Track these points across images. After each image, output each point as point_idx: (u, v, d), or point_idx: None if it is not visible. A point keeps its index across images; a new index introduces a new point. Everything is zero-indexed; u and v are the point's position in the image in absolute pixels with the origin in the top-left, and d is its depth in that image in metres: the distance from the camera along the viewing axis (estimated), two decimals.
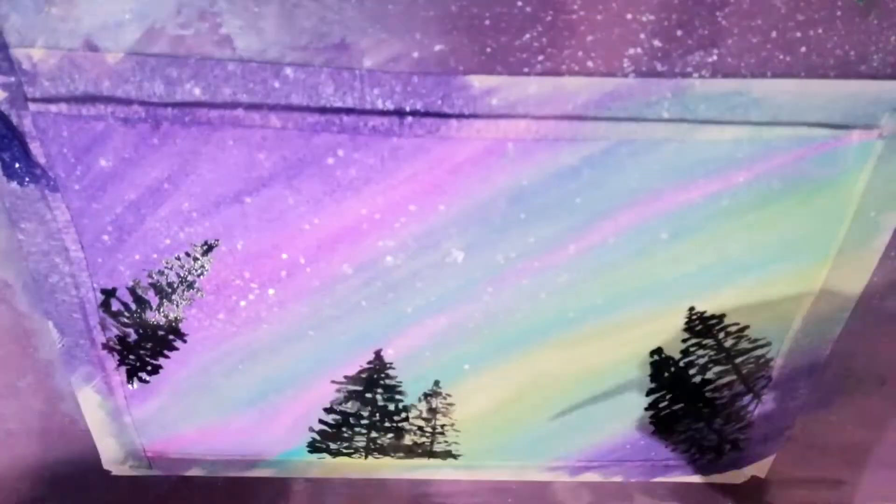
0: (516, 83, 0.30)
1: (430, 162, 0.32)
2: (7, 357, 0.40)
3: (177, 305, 0.37)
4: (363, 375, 0.41)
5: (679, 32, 0.29)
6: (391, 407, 0.42)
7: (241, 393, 0.41)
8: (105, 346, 0.39)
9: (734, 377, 0.42)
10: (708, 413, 0.44)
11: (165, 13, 0.28)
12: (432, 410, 0.43)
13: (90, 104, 0.30)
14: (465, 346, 0.39)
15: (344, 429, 0.44)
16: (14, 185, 0.32)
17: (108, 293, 0.37)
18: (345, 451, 0.46)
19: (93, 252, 0.35)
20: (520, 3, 0.28)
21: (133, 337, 0.38)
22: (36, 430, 0.43)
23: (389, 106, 0.30)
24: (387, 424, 0.44)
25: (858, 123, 0.31)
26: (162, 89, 0.30)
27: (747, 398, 0.43)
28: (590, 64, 0.29)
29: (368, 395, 0.42)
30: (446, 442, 0.45)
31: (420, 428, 0.44)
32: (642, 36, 0.29)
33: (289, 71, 0.29)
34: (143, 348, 0.39)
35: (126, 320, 0.38)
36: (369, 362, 0.40)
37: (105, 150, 0.31)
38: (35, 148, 0.31)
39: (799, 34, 0.29)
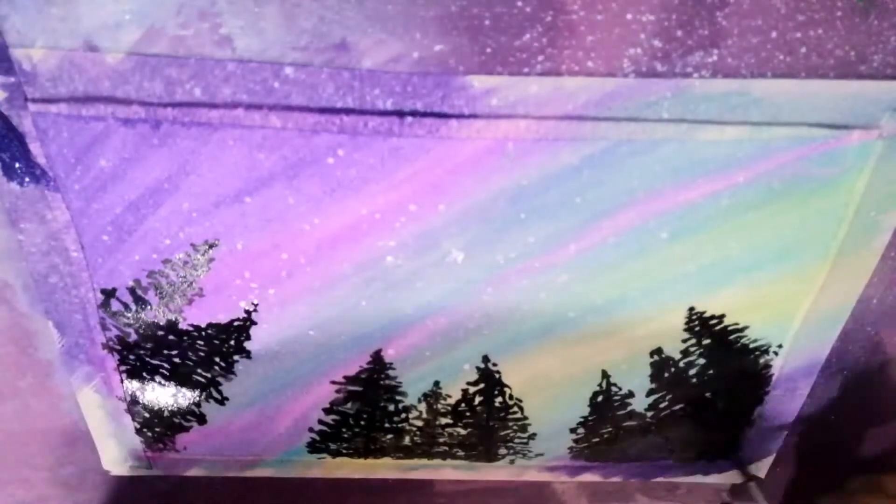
0: (516, 83, 0.30)
1: (430, 162, 0.32)
2: (7, 357, 0.40)
3: (177, 305, 0.37)
4: (363, 376, 0.41)
5: (679, 32, 0.29)
6: (391, 407, 0.42)
7: (241, 393, 0.41)
8: (105, 346, 0.39)
9: (734, 377, 0.42)
10: (708, 413, 0.44)
11: (165, 13, 0.28)
12: (432, 410, 0.43)
13: (90, 104, 0.30)
14: (465, 346, 0.39)
15: (344, 429, 0.44)
16: (14, 185, 0.32)
17: (108, 293, 0.37)
18: (345, 451, 0.46)
19: (93, 252, 0.35)
20: (520, 3, 0.28)
21: (133, 337, 0.38)
22: (36, 430, 0.43)
23: (389, 106, 0.30)
24: (387, 424, 0.44)
25: (858, 123, 0.31)
26: (162, 89, 0.30)
27: (747, 398, 0.43)
28: (590, 64, 0.29)
29: (368, 396, 0.42)
30: (446, 442, 0.45)
31: (420, 428, 0.44)
32: (642, 36, 0.29)
33: (289, 71, 0.29)
34: (143, 348, 0.39)
35: (126, 320, 0.38)
36: (369, 362, 0.40)
37: (105, 151, 0.31)
38: (35, 148, 0.31)
39: (799, 34, 0.29)
